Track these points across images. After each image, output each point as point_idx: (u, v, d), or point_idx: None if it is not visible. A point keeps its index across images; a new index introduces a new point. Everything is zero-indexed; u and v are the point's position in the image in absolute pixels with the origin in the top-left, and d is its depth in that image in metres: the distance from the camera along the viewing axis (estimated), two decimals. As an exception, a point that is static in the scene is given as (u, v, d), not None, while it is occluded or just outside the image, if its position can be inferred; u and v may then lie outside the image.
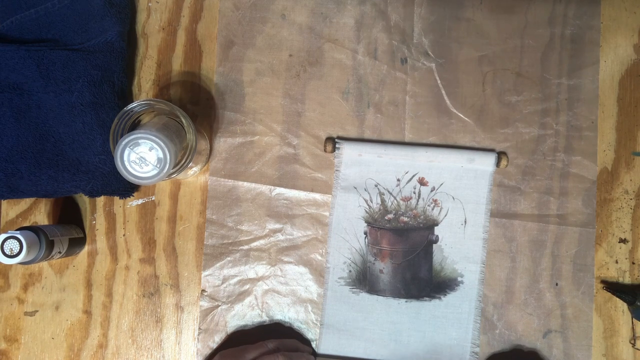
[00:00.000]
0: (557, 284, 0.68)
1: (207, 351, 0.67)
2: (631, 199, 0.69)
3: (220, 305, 0.68)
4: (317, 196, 0.69)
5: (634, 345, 0.67)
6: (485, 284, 0.68)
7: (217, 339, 0.68)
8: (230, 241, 0.68)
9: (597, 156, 0.69)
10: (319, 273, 0.68)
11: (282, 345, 0.64)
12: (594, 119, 0.69)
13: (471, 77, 0.69)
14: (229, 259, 0.68)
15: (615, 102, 0.69)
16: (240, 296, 0.68)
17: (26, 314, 0.68)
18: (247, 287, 0.68)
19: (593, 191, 0.68)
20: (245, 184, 0.69)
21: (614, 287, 0.67)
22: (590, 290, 0.68)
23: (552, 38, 0.69)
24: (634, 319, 0.67)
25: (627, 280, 0.68)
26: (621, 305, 0.68)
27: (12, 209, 0.69)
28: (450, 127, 0.69)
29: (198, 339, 0.68)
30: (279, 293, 0.68)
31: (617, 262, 0.68)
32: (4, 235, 0.57)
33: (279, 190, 0.69)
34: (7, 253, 0.57)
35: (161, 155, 0.54)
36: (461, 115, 0.69)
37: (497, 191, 0.68)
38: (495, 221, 0.68)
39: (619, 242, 0.68)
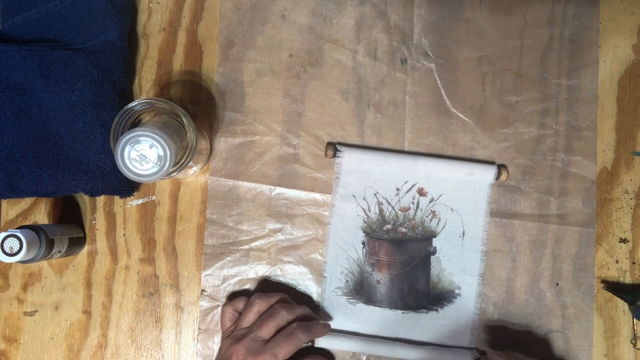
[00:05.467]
0: (557, 284, 0.68)
1: (207, 351, 0.67)
2: (631, 199, 0.69)
3: (220, 305, 0.68)
4: (317, 196, 0.69)
5: (634, 345, 0.67)
6: (486, 284, 0.68)
7: (216, 339, 0.67)
8: (230, 241, 0.68)
9: (597, 156, 0.69)
10: (319, 273, 0.68)
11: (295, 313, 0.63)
12: (593, 119, 0.69)
13: (471, 77, 0.69)
14: (229, 258, 0.68)
15: (614, 102, 0.69)
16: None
17: (26, 314, 0.68)
18: (247, 287, 0.68)
19: (593, 191, 0.69)
20: (246, 183, 0.69)
21: (614, 287, 0.67)
22: (590, 290, 0.68)
23: (551, 38, 0.70)
24: (634, 318, 0.67)
25: (627, 280, 0.68)
26: (622, 305, 0.68)
27: (13, 208, 0.69)
28: (450, 127, 0.69)
29: (198, 339, 0.68)
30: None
31: (617, 262, 0.68)
32: (4, 234, 0.57)
33: (279, 190, 0.69)
34: (7, 251, 0.57)
35: (161, 153, 0.54)
36: (461, 116, 0.69)
37: (497, 191, 0.68)
38: (495, 221, 0.68)
39: (619, 242, 0.68)
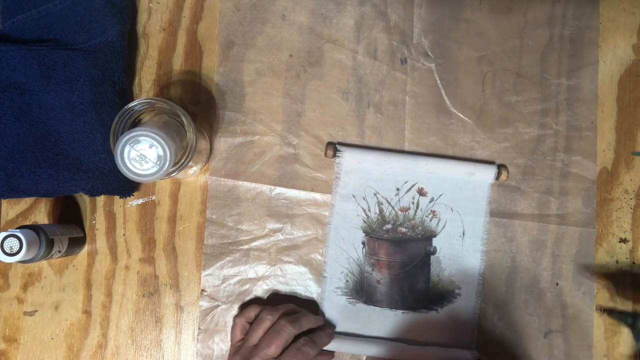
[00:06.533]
0: (557, 284, 0.68)
1: (207, 351, 0.67)
2: (631, 199, 0.69)
3: (220, 305, 0.68)
4: (317, 196, 0.69)
5: None
6: (485, 284, 0.68)
7: (216, 339, 0.67)
8: (230, 241, 0.68)
9: (597, 156, 0.69)
10: (319, 273, 0.68)
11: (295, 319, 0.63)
12: (593, 119, 0.69)
13: (471, 77, 0.69)
14: (229, 258, 0.68)
15: (614, 102, 0.69)
16: (240, 296, 0.68)
17: (25, 313, 0.68)
18: (247, 287, 0.68)
19: (593, 191, 0.68)
20: (246, 183, 0.69)
21: (614, 311, 0.66)
22: (590, 290, 0.68)
23: (551, 38, 0.70)
24: (636, 341, 0.66)
25: (627, 280, 0.68)
26: (622, 306, 0.67)
27: (13, 208, 0.69)
28: (450, 127, 0.69)
29: (198, 339, 0.68)
30: (279, 293, 0.68)
31: (617, 262, 0.68)
32: (3, 234, 0.57)
33: (279, 190, 0.69)
34: (7, 251, 0.57)
35: (161, 153, 0.54)
36: (461, 115, 0.69)
37: (497, 191, 0.68)
38: (495, 221, 0.68)
39: (619, 241, 0.68)
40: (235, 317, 0.64)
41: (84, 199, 0.69)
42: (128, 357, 0.68)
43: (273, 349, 0.59)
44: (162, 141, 0.54)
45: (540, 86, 0.69)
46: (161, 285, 0.68)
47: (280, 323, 0.61)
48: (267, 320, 0.62)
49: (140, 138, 0.54)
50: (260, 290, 0.68)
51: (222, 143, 0.69)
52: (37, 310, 0.68)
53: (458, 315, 0.67)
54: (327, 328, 0.66)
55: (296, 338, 0.62)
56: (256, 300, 0.68)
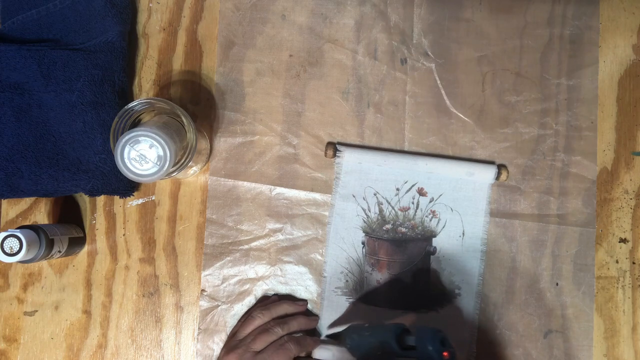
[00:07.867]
0: (557, 284, 0.68)
1: (207, 351, 0.67)
2: (631, 199, 0.69)
3: (220, 305, 0.68)
4: (317, 196, 0.69)
5: None
6: (485, 284, 0.68)
7: (216, 339, 0.67)
8: (230, 241, 0.68)
9: (597, 156, 0.69)
10: (319, 273, 0.68)
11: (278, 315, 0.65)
12: (593, 119, 0.69)
13: (471, 77, 0.69)
14: (228, 258, 0.68)
15: (614, 102, 0.69)
16: (240, 296, 0.68)
17: (26, 313, 0.68)
18: (247, 287, 0.68)
19: (593, 191, 0.68)
20: (245, 183, 0.69)
21: None
22: (590, 290, 0.68)
23: (551, 38, 0.70)
24: None
25: (627, 279, 0.68)
26: (622, 305, 0.68)
27: (13, 208, 0.69)
28: (450, 127, 0.69)
29: (197, 339, 0.68)
30: (279, 293, 0.68)
31: (617, 261, 0.68)
32: (3, 234, 0.57)
33: (279, 190, 0.69)
34: (7, 251, 0.57)
35: (161, 153, 0.54)
36: (461, 115, 0.69)
37: (497, 191, 0.68)
38: (495, 221, 0.68)
39: (619, 241, 0.68)
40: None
41: (84, 199, 0.69)
42: (128, 357, 0.68)
43: (258, 344, 0.61)
44: (162, 141, 0.54)
45: (540, 86, 0.69)
46: (161, 285, 0.68)
47: (270, 324, 0.63)
48: (258, 318, 0.63)
49: (140, 138, 0.54)
50: (260, 290, 0.68)
51: (222, 143, 0.69)
52: (37, 310, 0.68)
53: (458, 315, 0.67)
54: (315, 334, 0.67)
55: None
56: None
